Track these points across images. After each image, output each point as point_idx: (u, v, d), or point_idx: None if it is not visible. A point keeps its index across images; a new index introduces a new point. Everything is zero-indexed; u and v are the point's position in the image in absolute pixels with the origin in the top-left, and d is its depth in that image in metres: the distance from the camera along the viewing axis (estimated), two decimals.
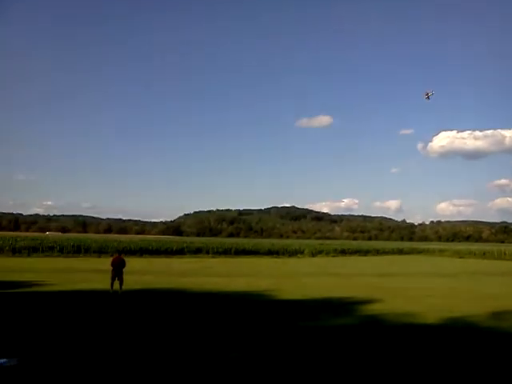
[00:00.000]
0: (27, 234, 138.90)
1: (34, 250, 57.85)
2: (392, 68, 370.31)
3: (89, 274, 30.66)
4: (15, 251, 56.03)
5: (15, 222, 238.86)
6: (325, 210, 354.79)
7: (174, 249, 67.91)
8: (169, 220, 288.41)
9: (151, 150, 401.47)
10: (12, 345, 9.15)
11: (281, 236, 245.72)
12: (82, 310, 14.87)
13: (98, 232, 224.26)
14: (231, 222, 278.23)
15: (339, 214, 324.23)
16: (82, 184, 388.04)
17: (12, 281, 24.79)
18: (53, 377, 7.05)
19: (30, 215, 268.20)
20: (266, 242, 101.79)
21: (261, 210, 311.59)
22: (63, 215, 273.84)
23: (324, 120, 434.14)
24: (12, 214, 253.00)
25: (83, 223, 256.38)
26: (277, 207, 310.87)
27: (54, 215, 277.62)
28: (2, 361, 7.33)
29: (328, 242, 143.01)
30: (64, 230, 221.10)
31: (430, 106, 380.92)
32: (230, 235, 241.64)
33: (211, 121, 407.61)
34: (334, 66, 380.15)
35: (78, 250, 61.07)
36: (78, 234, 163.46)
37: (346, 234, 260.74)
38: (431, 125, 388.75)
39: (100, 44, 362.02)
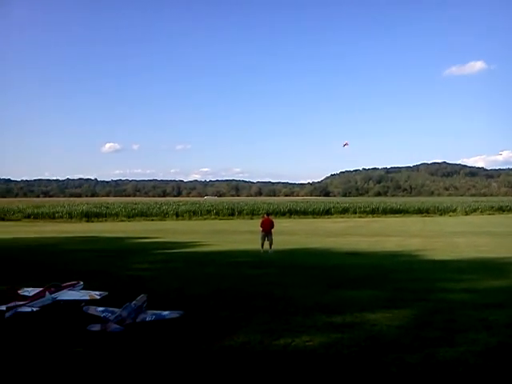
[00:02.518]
0: (188, 198, 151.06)
1: (193, 213, 63.18)
2: None
3: (242, 235, 32.73)
4: (178, 215, 61.75)
5: (177, 188, 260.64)
6: (480, 165, 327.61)
7: (321, 209, 68.72)
8: (316, 181, 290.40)
9: (297, 113, 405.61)
10: (178, 299, 10.36)
11: (431, 194, 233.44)
12: (236, 268, 16.17)
13: (249, 195, 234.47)
14: (378, 181, 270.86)
15: (496, 168, 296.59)
16: (234, 150, 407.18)
17: (177, 241, 27.64)
18: (208, 331, 7.73)
19: (190, 181, 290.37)
20: (415, 201, 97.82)
21: (409, 167, 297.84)
22: (218, 180, 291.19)
23: (476, 66, 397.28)
24: (174, 181, 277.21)
25: (236, 187, 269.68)
26: (426, 163, 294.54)
27: (210, 180, 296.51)
28: (166, 313, 8.13)
29: (483, 199, 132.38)
30: (219, 194, 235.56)
31: None
32: (378, 194, 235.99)
33: (350, 76, 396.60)
34: (483, 5, 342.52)
35: (232, 212, 64.95)
36: (232, 198, 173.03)
37: (504, 189, 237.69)
38: None
39: None
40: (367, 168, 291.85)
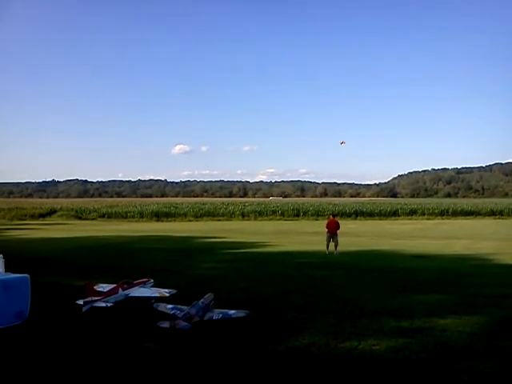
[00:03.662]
0: (253, 199, 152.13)
1: (259, 213, 63.85)
2: None
3: (307, 236, 32.69)
4: (244, 215, 62.68)
5: (243, 189, 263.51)
6: None
7: (388, 210, 67.35)
8: (383, 182, 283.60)
9: (363, 111, 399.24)
10: (244, 298, 10.49)
11: (505, 195, 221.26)
12: (302, 269, 16.13)
13: (314, 196, 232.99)
14: (448, 182, 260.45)
15: None
16: (300, 151, 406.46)
17: (243, 241, 28.01)
18: (274, 331, 7.77)
19: (256, 182, 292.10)
20: (487, 202, 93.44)
21: (481, 167, 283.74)
22: (283, 181, 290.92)
23: None
24: (241, 181, 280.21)
25: (301, 188, 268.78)
26: (500, 163, 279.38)
27: (276, 181, 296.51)
28: (232, 312, 8.23)
29: None
30: (284, 194, 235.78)
31: None
32: (447, 195, 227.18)
33: (421, 74, 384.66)
34: None
35: (297, 213, 65.01)
36: (297, 199, 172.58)
37: None
38: None
39: None
40: (436, 168, 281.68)
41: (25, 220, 59.59)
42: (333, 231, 21.39)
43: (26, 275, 8.63)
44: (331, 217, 23.40)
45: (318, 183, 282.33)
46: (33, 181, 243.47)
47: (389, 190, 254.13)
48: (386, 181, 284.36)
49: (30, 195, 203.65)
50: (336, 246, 21.17)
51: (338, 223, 21.96)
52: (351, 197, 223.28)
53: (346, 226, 33.37)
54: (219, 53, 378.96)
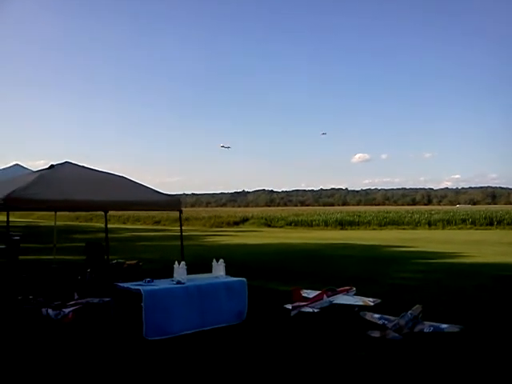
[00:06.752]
0: (439, 207, 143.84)
1: (447, 222, 60.63)
2: None
3: (505, 247, 30.28)
4: (430, 224, 60.17)
5: (427, 196, 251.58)
6: None
7: None
8: None
9: None
10: (448, 312, 10.47)
11: None
12: (508, 283, 15.30)
13: (508, 203, 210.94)
14: None
15: None
16: (489, 155, 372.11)
17: (434, 251, 27.04)
18: (491, 350, 7.42)
19: (441, 189, 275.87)
20: None
21: None
22: (471, 187, 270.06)
23: None
24: (424, 189, 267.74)
25: (492, 194, 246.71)
26: None
27: (462, 188, 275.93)
28: (445, 326, 7.86)
29: None
30: (473, 202, 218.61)
31: None
32: None
33: None
34: None
35: (490, 221, 60.25)
36: (488, 206, 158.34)
37: None
38: None
39: None
40: None
41: (221, 227, 65.25)
42: None
43: (244, 279, 9.78)
44: None
45: (511, 189, 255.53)
46: (226, 191, 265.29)
47: None
48: None
49: (223, 204, 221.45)
50: None
51: None
52: None
53: None
54: (393, 54, 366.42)
